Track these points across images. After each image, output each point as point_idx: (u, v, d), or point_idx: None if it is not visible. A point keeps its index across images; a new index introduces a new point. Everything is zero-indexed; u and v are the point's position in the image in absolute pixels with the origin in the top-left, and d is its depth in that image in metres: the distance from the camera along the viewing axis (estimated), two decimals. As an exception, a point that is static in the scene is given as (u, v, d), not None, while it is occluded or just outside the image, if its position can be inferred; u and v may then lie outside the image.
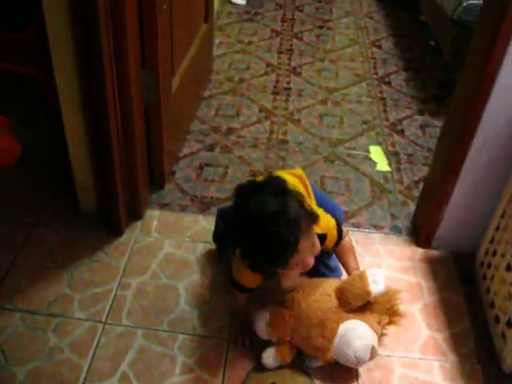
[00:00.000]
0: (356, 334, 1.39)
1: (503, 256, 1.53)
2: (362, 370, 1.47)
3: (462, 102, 1.64)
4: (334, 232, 1.48)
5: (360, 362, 1.40)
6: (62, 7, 1.45)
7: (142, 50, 1.70)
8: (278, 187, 1.31)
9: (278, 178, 1.37)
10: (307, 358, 1.48)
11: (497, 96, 1.51)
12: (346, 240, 1.55)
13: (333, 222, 1.49)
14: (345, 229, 1.55)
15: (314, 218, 1.32)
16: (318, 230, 1.37)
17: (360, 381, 1.45)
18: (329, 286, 1.47)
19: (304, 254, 1.30)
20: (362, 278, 1.41)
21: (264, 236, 1.23)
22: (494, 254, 1.61)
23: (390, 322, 1.49)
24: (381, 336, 1.49)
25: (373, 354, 1.40)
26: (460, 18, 2.48)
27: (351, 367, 1.45)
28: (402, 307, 1.51)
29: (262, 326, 1.46)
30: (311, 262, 1.34)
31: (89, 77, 1.55)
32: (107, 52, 1.49)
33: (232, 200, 1.35)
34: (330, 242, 1.48)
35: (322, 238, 1.42)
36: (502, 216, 1.59)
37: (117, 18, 1.48)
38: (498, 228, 1.62)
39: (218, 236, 1.77)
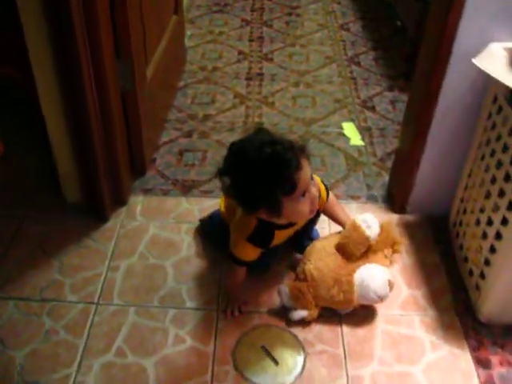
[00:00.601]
0: (370, 276, 1.49)
1: (472, 212, 1.61)
2: (346, 329, 1.55)
3: (423, 72, 1.71)
4: (323, 187, 1.59)
5: (383, 298, 1.51)
6: (35, 4, 1.50)
7: (115, 40, 1.75)
8: (268, 130, 1.43)
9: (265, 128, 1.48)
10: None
11: (455, 63, 1.58)
12: (331, 196, 1.66)
13: (318, 177, 1.58)
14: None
15: (305, 148, 1.40)
16: None
17: (345, 339, 1.53)
18: (329, 245, 1.55)
19: (307, 177, 1.37)
20: (356, 227, 1.49)
21: (267, 158, 1.31)
22: (465, 211, 1.69)
23: (394, 252, 1.58)
24: (391, 265, 1.58)
25: (391, 285, 1.51)
26: (422, -5, 2.56)
27: (336, 326, 1.56)
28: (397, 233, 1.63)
29: (285, 301, 1.55)
30: (316, 194, 1.42)
31: (66, 68, 1.60)
32: (82, 44, 1.54)
33: (227, 155, 1.42)
34: (324, 196, 1.58)
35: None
36: (469, 175, 1.67)
37: (89, 9, 1.52)
38: (466, 187, 1.70)
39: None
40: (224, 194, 1.51)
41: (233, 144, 1.43)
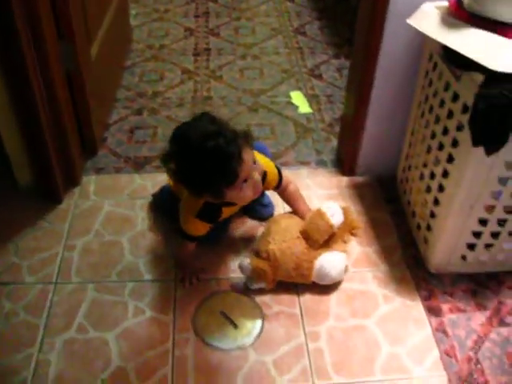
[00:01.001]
0: (330, 263, 1.55)
1: (416, 168, 1.67)
2: (301, 289, 1.59)
3: (362, 37, 1.75)
4: (275, 171, 1.61)
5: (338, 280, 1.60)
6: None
7: (56, 20, 1.73)
8: (213, 117, 1.42)
9: (210, 112, 1.47)
10: None
11: (391, 25, 1.63)
12: (292, 187, 1.68)
13: (272, 163, 1.61)
14: (290, 177, 1.69)
15: (248, 135, 1.41)
16: None
17: (301, 299, 1.57)
18: (295, 229, 1.59)
19: (249, 165, 1.38)
20: (321, 215, 1.55)
21: (209, 152, 1.32)
22: (410, 168, 1.75)
23: (352, 235, 1.67)
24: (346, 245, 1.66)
25: (346, 270, 1.60)
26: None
27: (292, 287, 1.60)
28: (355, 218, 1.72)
29: (247, 275, 1.57)
30: (259, 179, 1.44)
31: (8, 53, 1.57)
32: (22, 26, 1.52)
33: (171, 140, 1.42)
34: (272, 180, 1.60)
35: (263, 174, 1.52)
36: (412, 133, 1.73)
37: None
38: (410, 145, 1.75)
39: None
40: (170, 177, 1.53)
41: (177, 130, 1.43)
